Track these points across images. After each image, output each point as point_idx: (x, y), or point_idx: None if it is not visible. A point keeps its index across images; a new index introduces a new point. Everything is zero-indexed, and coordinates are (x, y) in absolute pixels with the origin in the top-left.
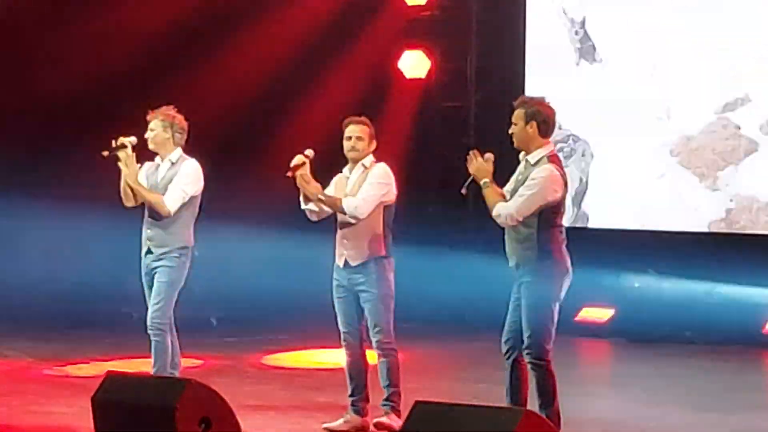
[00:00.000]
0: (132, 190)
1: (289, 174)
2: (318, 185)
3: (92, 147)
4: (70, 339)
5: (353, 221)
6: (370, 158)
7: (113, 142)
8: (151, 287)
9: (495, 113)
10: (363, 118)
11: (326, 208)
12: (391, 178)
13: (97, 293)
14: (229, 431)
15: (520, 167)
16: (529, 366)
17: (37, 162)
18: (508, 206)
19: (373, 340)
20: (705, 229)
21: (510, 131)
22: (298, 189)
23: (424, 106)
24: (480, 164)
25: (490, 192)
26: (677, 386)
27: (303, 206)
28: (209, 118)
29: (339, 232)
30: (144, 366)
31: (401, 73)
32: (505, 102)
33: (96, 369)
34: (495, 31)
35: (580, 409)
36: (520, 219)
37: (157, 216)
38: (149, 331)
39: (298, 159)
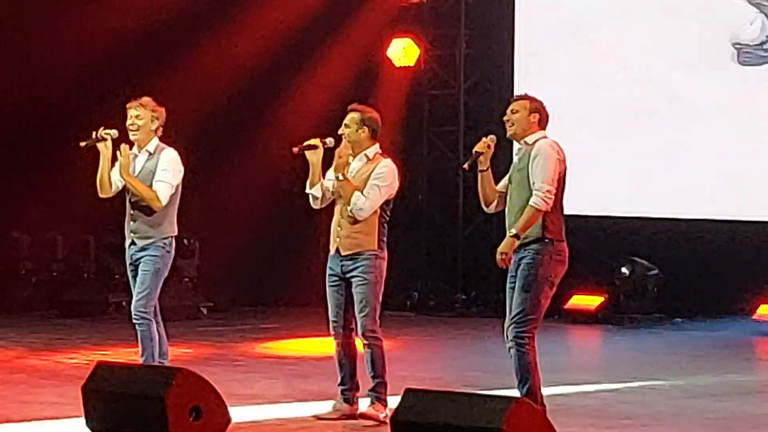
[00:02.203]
0: (108, 181)
1: (296, 149)
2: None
3: (71, 140)
4: (59, 328)
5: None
6: (374, 149)
7: (94, 133)
8: (135, 277)
9: (484, 100)
10: (354, 105)
11: (329, 195)
12: (396, 176)
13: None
14: (220, 420)
15: (519, 152)
16: (510, 343)
17: (23, 152)
18: (536, 186)
19: (359, 325)
20: (693, 216)
21: (507, 118)
22: (305, 172)
23: (413, 94)
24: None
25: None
26: (667, 372)
27: (308, 190)
28: (198, 108)
29: (334, 219)
30: (134, 356)
31: (390, 61)
32: (494, 89)
33: (86, 358)
34: (484, 18)
35: (569, 395)
36: (553, 188)
37: (141, 208)
38: (134, 321)
39: (314, 140)
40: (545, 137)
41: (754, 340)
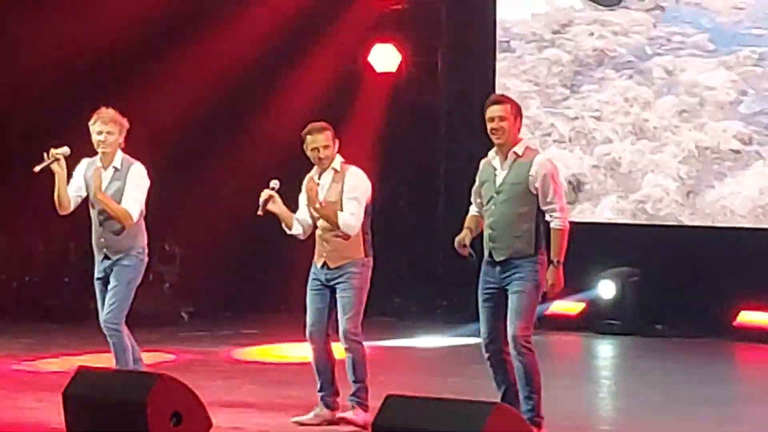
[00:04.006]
0: (67, 198)
1: (260, 213)
2: (321, 204)
3: (52, 145)
4: (39, 333)
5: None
6: (339, 159)
7: (45, 156)
8: (102, 290)
9: (465, 106)
10: (322, 124)
11: (310, 223)
12: (366, 180)
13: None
14: (200, 426)
15: (500, 162)
16: (515, 354)
17: (2, 157)
18: (556, 208)
19: (341, 328)
20: (673, 222)
21: (497, 126)
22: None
23: (394, 100)
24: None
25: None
26: (649, 379)
27: (288, 232)
28: (179, 114)
29: (319, 233)
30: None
31: (372, 66)
32: (476, 95)
33: (66, 364)
34: (465, 24)
35: (551, 403)
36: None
37: (111, 224)
38: (105, 332)
39: (264, 194)
40: (531, 148)
41: (735, 347)
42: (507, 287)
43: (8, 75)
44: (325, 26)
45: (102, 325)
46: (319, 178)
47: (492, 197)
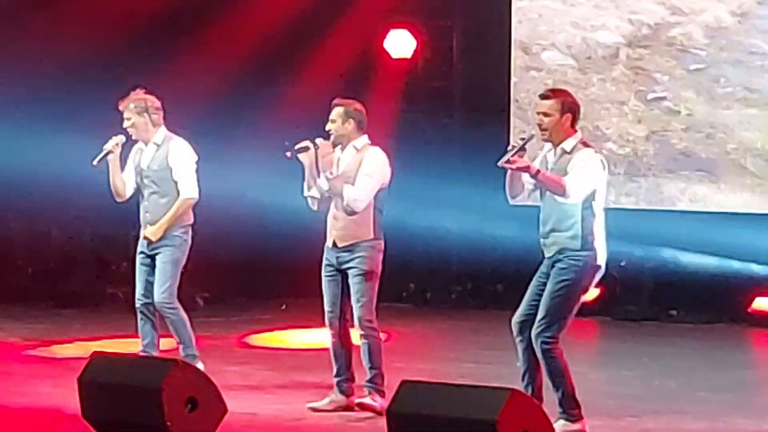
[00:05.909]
0: (122, 184)
1: (289, 154)
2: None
3: (67, 128)
4: (55, 319)
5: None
6: (363, 140)
7: (104, 149)
8: (145, 265)
9: (480, 93)
10: (337, 99)
11: (327, 195)
12: (387, 164)
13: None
14: (216, 411)
15: (552, 157)
16: (537, 349)
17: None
18: (569, 179)
19: (355, 316)
20: (689, 207)
21: (540, 122)
22: (302, 174)
23: (409, 86)
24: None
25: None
26: (663, 365)
27: (305, 193)
28: (195, 99)
29: (330, 212)
30: (130, 346)
31: (387, 52)
32: (490, 81)
33: (82, 349)
34: (480, 9)
35: None
36: (577, 199)
37: (153, 198)
38: (162, 313)
39: (305, 143)
40: (583, 143)
41: (749, 333)
42: (547, 277)
43: (26, 60)
44: (341, 11)
45: (157, 306)
46: (341, 153)
47: (543, 192)
